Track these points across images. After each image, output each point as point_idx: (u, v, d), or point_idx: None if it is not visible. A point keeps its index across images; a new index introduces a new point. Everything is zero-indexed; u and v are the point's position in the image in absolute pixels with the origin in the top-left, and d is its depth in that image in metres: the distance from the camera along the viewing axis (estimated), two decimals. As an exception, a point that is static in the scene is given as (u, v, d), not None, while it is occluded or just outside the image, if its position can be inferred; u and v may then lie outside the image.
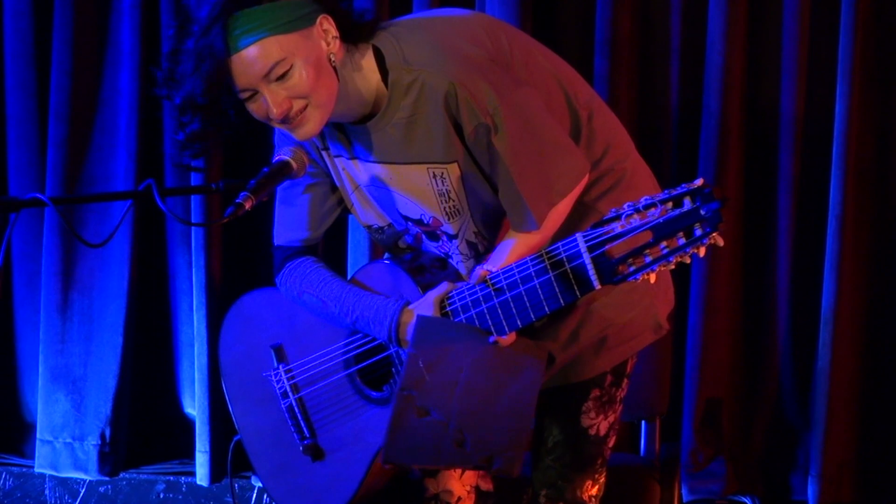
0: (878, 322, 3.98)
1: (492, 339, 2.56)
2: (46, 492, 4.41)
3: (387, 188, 2.70)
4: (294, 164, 2.65)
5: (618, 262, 2.40)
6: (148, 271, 4.32)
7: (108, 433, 4.32)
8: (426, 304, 2.64)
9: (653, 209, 2.38)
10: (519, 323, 2.55)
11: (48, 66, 4.27)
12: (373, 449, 2.77)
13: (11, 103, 4.32)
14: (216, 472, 4.25)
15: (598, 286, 2.45)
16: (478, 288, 2.58)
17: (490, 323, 2.57)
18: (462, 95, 2.54)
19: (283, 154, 2.65)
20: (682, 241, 2.36)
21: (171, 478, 4.37)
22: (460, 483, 2.83)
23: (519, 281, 2.54)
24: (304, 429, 2.87)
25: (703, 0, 3.94)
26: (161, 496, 4.37)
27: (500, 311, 2.56)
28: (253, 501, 4.32)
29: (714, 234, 2.34)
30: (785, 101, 3.95)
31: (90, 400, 4.34)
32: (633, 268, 2.40)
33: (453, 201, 2.68)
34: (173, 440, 4.37)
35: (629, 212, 2.39)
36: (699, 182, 2.34)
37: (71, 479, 4.38)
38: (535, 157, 2.59)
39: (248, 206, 2.53)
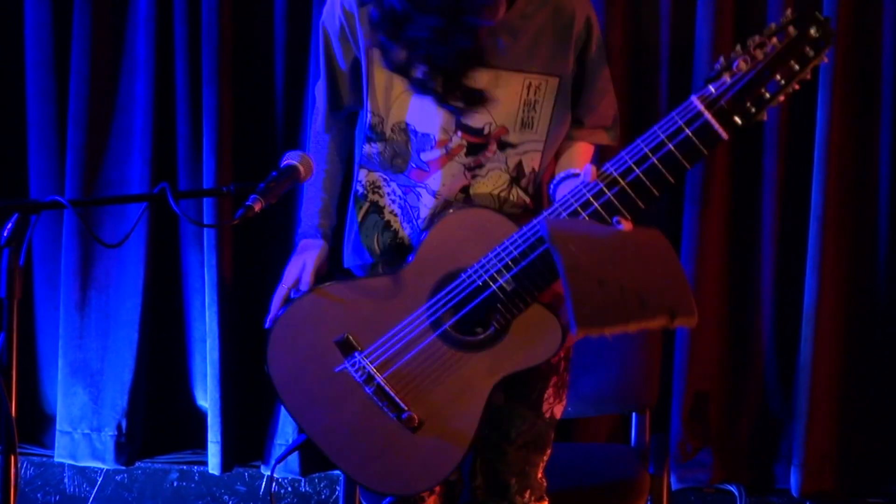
0: (858, 319, 3.99)
1: (615, 221, 2.55)
2: (66, 480, 4.42)
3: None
4: (301, 169, 2.66)
5: (737, 108, 2.42)
6: (162, 270, 4.33)
7: (124, 424, 4.33)
8: None
9: (760, 49, 2.39)
10: (641, 204, 2.54)
11: (67, 75, 4.28)
12: (484, 392, 2.70)
13: (32, 110, 4.33)
14: (227, 462, 4.25)
15: (725, 137, 2.46)
16: (586, 188, 2.57)
17: (610, 212, 2.56)
18: (595, 26, 2.75)
19: (290, 159, 2.66)
20: (797, 66, 2.38)
21: (185, 467, 4.38)
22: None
23: (633, 165, 2.53)
24: (400, 404, 2.74)
25: (691, 12, 3.95)
26: (174, 484, 4.38)
27: (616, 202, 2.55)
28: (262, 490, 4.33)
29: (824, 51, 2.37)
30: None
31: (107, 393, 4.34)
32: (754, 108, 2.43)
33: (534, 113, 2.71)
34: (186, 431, 4.38)
35: (737, 60, 2.41)
36: (789, 12, 2.42)
37: (89, 468, 4.39)
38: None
39: (257, 208, 2.54)
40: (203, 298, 4.26)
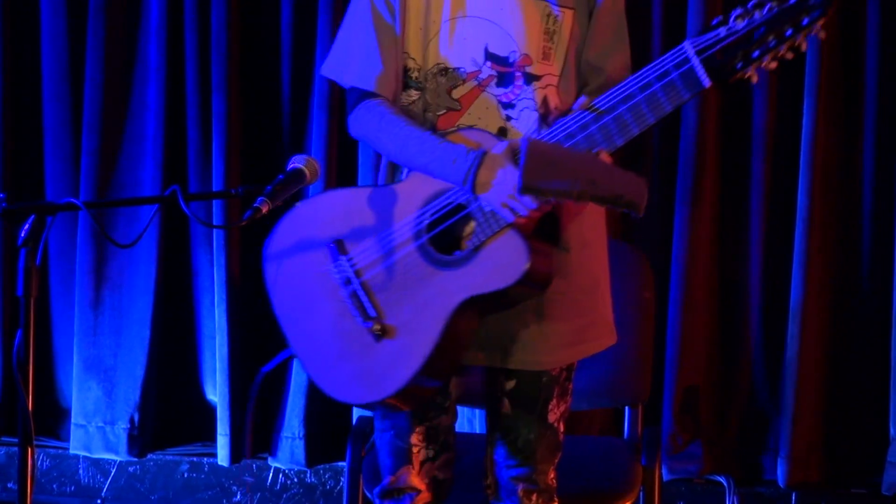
0: (842, 316, 3.99)
1: (595, 150, 2.53)
2: (80, 471, 4.42)
3: (489, 21, 2.68)
4: (307, 172, 2.65)
5: (726, 60, 2.39)
6: (173, 270, 4.33)
7: (136, 418, 4.33)
8: (501, 148, 2.60)
9: (759, 10, 2.36)
10: (619, 141, 2.51)
11: (82, 82, 4.28)
12: (444, 312, 2.61)
13: (48, 116, 4.33)
14: (236, 454, 4.25)
15: (708, 84, 2.44)
16: (579, 115, 2.54)
17: (590, 145, 2.53)
18: None
19: (296, 162, 2.66)
20: (790, 31, 2.34)
21: (195, 458, 4.37)
22: (419, 478, 2.83)
23: (620, 101, 2.50)
24: (370, 309, 2.68)
25: (682, 20, 3.95)
26: (185, 476, 4.38)
27: (600, 134, 2.52)
28: (269, 482, 4.32)
29: (821, 22, 2.32)
30: (757, 114, 3.96)
31: (120, 388, 4.34)
32: (741, 63, 2.39)
33: (552, 44, 2.67)
34: (196, 424, 4.38)
35: (736, 14, 2.38)
36: None
37: (103, 459, 4.39)
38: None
39: (264, 210, 2.53)
40: (212, 296, 4.26)
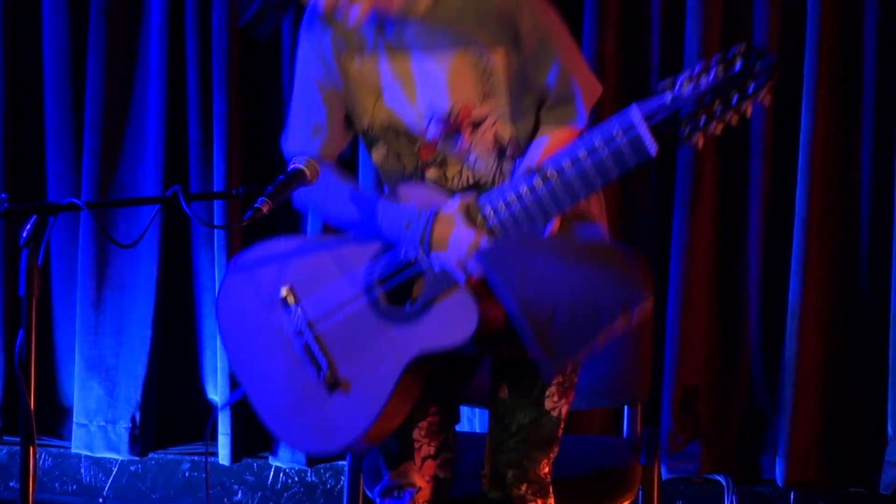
0: (840, 316, 3.99)
1: (546, 232, 2.51)
2: (82, 470, 4.42)
3: (426, 79, 2.69)
4: (308, 172, 2.66)
5: (673, 126, 2.37)
6: (174, 269, 4.33)
7: (138, 417, 4.33)
8: (453, 206, 2.59)
9: (705, 75, 2.33)
10: (567, 206, 2.49)
11: (83, 83, 4.29)
12: (396, 367, 2.63)
13: (50, 116, 4.34)
14: (237, 453, 4.25)
15: (654, 152, 2.40)
16: (527, 179, 2.51)
17: (539, 213, 2.51)
18: (524, 4, 2.63)
19: (297, 163, 2.66)
20: (736, 99, 2.31)
21: (196, 458, 4.38)
22: (420, 475, 2.83)
23: (568, 165, 2.48)
24: (322, 362, 2.69)
25: (681, 23, 3.95)
26: (186, 475, 4.38)
27: (550, 198, 2.50)
28: (270, 481, 4.33)
29: (766, 89, 2.29)
30: (755, 115, 3.95)
31: (122, 387, 4.35)
32: (687, 129, 2.36)
33: (493, 84, 2.67)
34: (197, 423, 4.38)
35: (682, 79, 2.36)
36: (744, 46, 2.33)
37: (104, 458, 4.39)
38: (582, 64, 2.71)
39: (265, 210, 2.54)
40: (213, 296, 4.26)
